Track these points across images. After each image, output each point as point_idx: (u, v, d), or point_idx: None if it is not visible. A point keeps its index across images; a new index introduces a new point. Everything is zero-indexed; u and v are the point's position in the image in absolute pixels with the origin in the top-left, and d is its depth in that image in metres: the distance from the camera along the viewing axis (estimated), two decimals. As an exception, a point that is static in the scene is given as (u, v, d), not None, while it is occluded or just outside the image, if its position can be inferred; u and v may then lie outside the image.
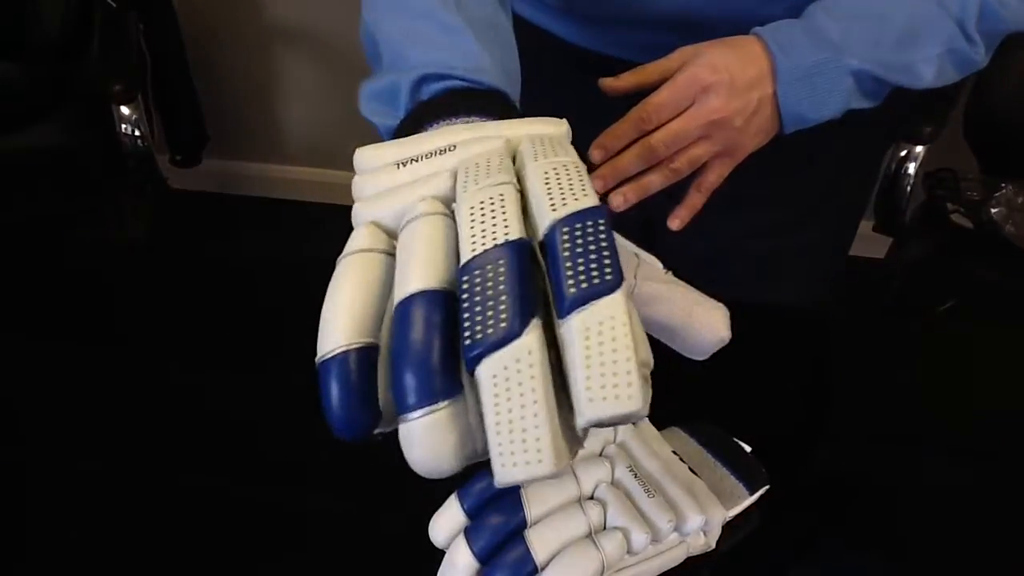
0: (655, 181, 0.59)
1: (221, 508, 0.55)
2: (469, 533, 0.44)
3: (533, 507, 0.45)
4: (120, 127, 1.44)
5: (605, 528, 0.45)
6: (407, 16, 0.49)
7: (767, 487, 0.52)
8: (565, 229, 0.30)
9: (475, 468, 0.32)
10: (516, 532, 0.44)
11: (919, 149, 1.31)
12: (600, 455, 0.50)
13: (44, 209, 1.51)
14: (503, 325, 0.29)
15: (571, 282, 0.29)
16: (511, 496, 0.45)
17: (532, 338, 0.28)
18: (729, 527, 0.50)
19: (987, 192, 1.34)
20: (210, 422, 0.61)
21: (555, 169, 0.33)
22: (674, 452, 0.52)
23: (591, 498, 0.47)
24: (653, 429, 0.54)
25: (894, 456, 0.59)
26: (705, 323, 0.43)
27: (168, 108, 1.76)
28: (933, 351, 0.68)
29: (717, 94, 0.55)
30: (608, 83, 0.60)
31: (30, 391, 0.64)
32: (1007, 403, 0.64)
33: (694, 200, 0.62)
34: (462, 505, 0.45)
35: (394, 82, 0.46)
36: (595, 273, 0.29)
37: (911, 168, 1.32)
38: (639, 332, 0.31)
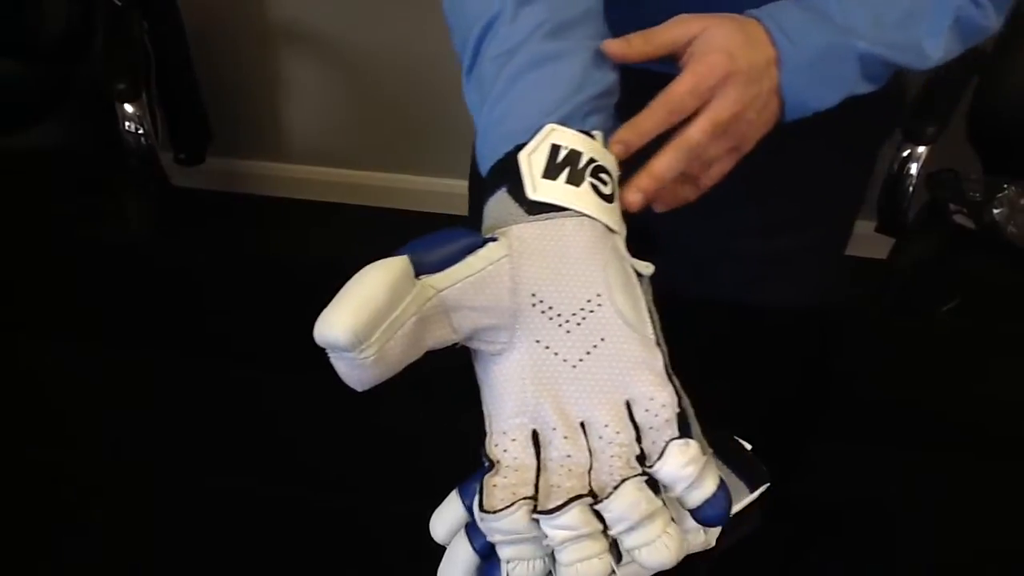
0: (686, 191, 0.56)
1: (238, 507, 0.55)
2: (470, 529, 0.44)
3: (533, 503, 0.45)
4: (124, 125, 1.44)
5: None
6: None
7: (767, 485, 0.53)
8: None
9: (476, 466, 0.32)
10: (517, 528, 0.44)
11: (921, 149, 1.31)
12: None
13: (46, 208, 1.51)
14: None
15: None
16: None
17: None
18: (729, 524, 0.51)
19: (989, 193, 1.34)
20: (208, 419, 0.61)
21: None
22: (674, 449, 0.52)
23: (592, 494, 0.47)
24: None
25: (896, 457, 0.59)
26: None
27: (172, 106, 1.76)
28: (935, 352, 0.68)
29: (735, 85, 0.52)
30: (616, 48, 0.53)
31: (26, 389, 0.64)
32: (1010, 403, 0.64)
33: (688, 194, 0.58)
34: (463, 501, 0.45)
35: None
36: None
37: (913, 168, 1.32)
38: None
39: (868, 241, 1.53)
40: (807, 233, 0.82)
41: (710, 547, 0.49)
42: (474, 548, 0.43)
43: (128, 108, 1.44)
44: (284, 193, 2.24)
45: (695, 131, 0.51)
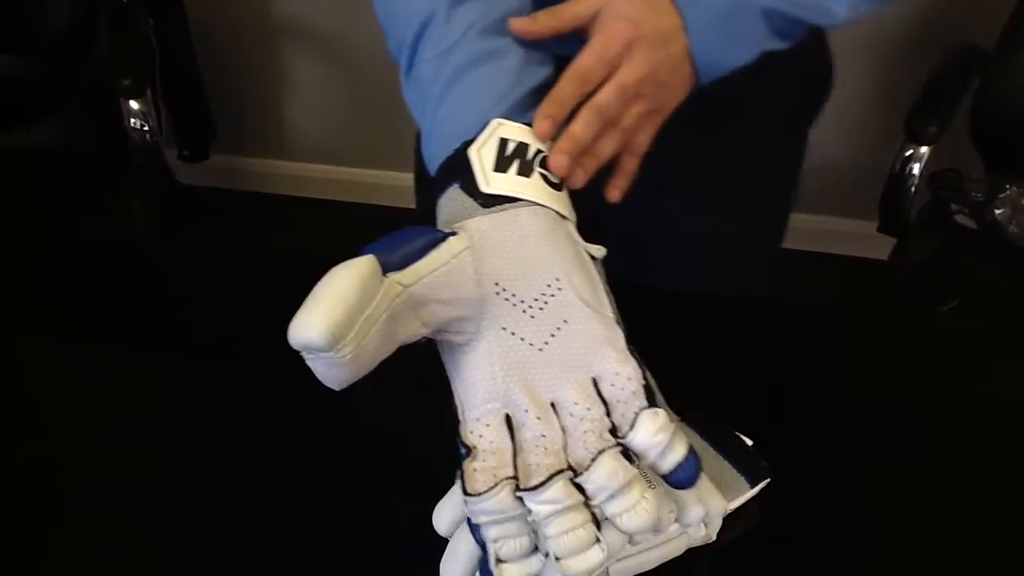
0: (607, 146, 0.55)
1: (242, 506, 0.55)
2: (472, 522, 0.44)
3: (535, 496, 0.45)
4: (128, 122, 1.44)
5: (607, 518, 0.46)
6: None
7: (768, 480, 0.53)
8: None
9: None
10: (518, 521, 0.45)
11: (924, 149, 1.31)
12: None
13: (48, 206, 1.51)
14: None
15: None
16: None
17: None
18: (730, 519, 0.51)
19: (991, 193, 1.34)
20: (208, 419, 0.61)
21: None
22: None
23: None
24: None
25: (895, 457, 0.59)
26: None
27: (176, 103, 1.76)
28: (935, 352, 0.68)
29: (641, 49, 0.53)
30: (522, 25, 0.54)
31: (25, 386, 0.64)
32: (1010, 403, 0.64)
33: (629, 165, 0.59)
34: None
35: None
36: None
37: (916, 168, 1.32)
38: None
39: (869, 241, 1.53)
40: (742, 217, 0.83)
41: (710, 541, 0.50)
42: (476, 539, 0.44)
43: (133, 104, 1.44)
44: (287, 191, 2.24)
45: (603, 94, 0.53)
